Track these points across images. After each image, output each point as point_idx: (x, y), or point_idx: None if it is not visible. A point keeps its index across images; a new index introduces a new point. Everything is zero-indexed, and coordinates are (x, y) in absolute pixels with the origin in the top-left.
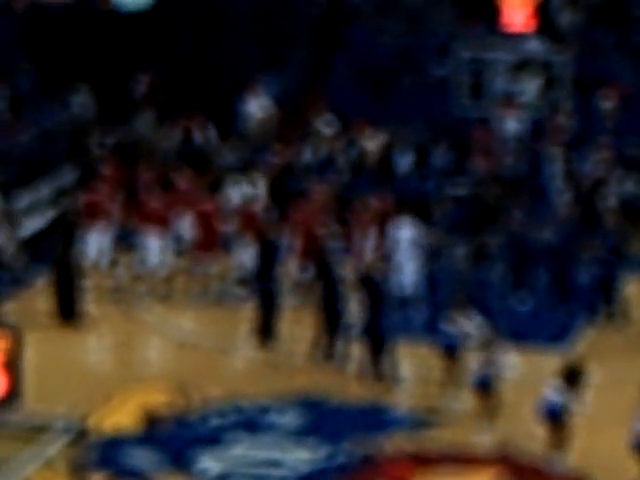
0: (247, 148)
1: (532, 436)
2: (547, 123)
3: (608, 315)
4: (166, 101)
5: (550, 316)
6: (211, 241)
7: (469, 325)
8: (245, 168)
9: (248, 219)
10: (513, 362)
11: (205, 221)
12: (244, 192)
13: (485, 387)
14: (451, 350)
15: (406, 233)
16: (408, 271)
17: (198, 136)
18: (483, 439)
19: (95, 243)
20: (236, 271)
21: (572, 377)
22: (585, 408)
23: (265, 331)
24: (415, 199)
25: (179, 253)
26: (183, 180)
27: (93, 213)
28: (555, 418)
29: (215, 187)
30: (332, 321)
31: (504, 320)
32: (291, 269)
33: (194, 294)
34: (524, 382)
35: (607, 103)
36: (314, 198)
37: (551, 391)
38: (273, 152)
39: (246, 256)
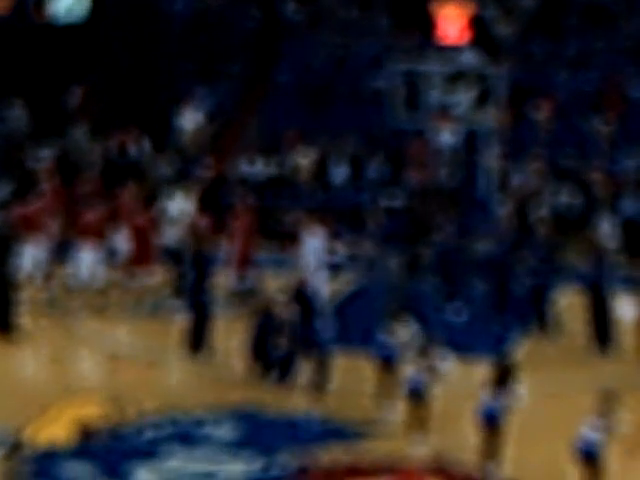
0: (181, 161)
1: (468, 446)
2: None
3: (541, 326)
4: (101, 114)
5: (485, 327)
6: (146, 254)
7: (405, 333)
8: (179, 181)
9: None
10: (448, 370)
11: (140, 234)
12: (178, 205)
13: (418, 395)
14: (387, 361)
15: (316, 243)
16: (320, 280)
17: (133, 149)
18: (418, 450)
19: (30, 256)
20: (169, 284)
21: (502, 379)
22: (521, 402)
23: (197, 343)
24: (350, 210)
25: (113, 266)
26: (125, 193)
27: (28, 226)
28: (491, 423)
29: (150, 200)
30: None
31: (439, 331)
32: (227, 280)
33: (128, 307)
34: (459, 392)
35: (540, 114)
36: (249, 210)
37: (486, 396)
38: (206, 165)
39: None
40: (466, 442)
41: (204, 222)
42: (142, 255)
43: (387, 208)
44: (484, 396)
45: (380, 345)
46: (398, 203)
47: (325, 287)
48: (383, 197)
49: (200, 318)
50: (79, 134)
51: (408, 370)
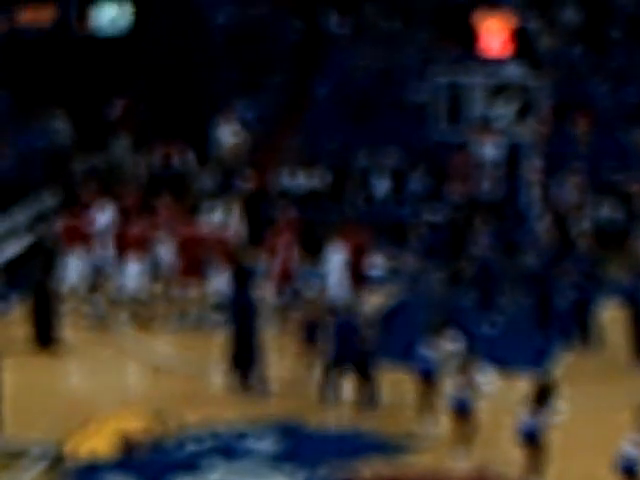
0: (222, 174)
1: (509, 460)
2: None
3: (583, 340)
4: (142, 126)
5: (526, 341)
6: (191, 266)
7: (449, 347)
8: (221, 193)
9: (222, 246)
10: (489, 385)
11: (186, 246)
12: (219, 218)
13: (463, 411)
14: (428, 374)
15: (338, 255)
16: (341, 292)
17: (177, 161)
18: (460, 464)
19: (74, 268)
20: (212, 297)
21: (542, 397)
22: (561, 418)
23: (236, 357)
24: (391, 224)
25: (157, 278)
26: (163, 206)
27: (72, 238)
28: (532, 440)
29: (194, 212)
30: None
31: (480, 345)
32: (267, 294)
33: (172, 319)
34: (501, 406)
35: (580, 127)
36: (290, 223)
37: (525, 413)
38: (246, 178)
39: (221, 282)
40: (507, 456)
41: (245, 235)
42: (187, 267)
43: (429, 222)
44: (523, 413)
45: (421, 359)
46: (440, 217)
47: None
48: (425, 211)
49: (241, 332)
50: (120, 146)
51: (451, 385)
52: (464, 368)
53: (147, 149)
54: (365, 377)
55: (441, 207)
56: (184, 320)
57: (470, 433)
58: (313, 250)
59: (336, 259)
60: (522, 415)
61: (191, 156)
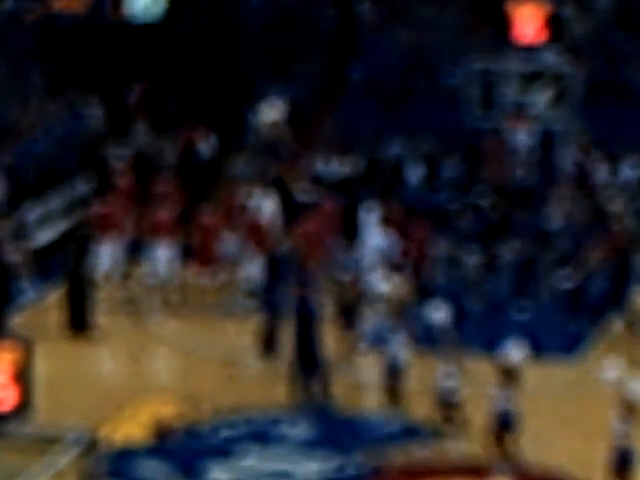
0: (259, 160)
1: (547, 446)
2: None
3: (619, 325)
4: (164, 111)
5: (562, 327)
6: (208, 255)
7: (434, 317)
8: (257, 180)
9: (255, 232)
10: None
11: (204, 234)
12: (256, 204)
13: (448, 401)
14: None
15: (375, 241)
16: (378, 279)
17: (202, 147)
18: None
19: (108, 255)
20: (244, 283)
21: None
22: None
23: (270, 343)
24: (426, 210)
25: (188, 264)
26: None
27: (106, 225)
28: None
29: (228, 199)
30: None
31: (513, 331)
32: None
33: (205, 306)
34: (538, 393)
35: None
36: (324, 210)
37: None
38: (281, 164)
39: (254, 268)
40: (546, 442)
41: (278, 222)
42: (206, 256)
43: (464, 208)
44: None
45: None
46: (474, 203)
47: (382, 286)
48: (459, 197)
49: (273, 318)
50: (139, 132)
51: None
52: (452, 353)
53: (173, 136)
54: None
55: (475, 193)
56: (217, 306)
57: (458, 423)
58: (349, 236)
59: (372, 245)
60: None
61: (215, 141)
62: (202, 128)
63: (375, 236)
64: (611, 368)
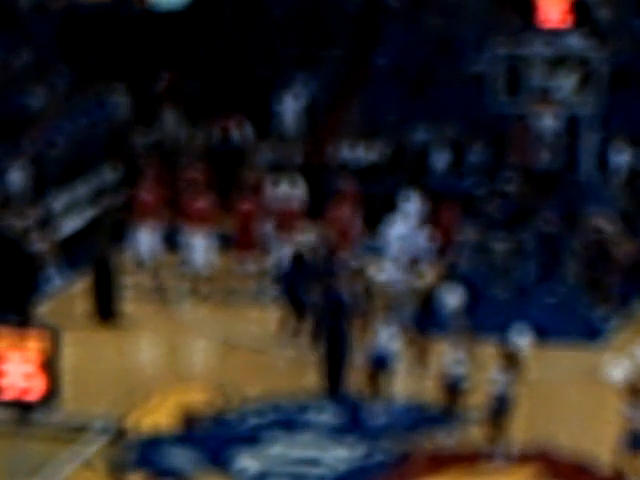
0: (284, 147)
1: (572, 432)
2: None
3: None
4: (193, 99)
5: (586, 312)
6: (249, 241)
7: (448, 300)
8: (284, 167)
9: (286, 218)
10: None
11: (244, 221)
12: (284, 191)
13: (455, 388)
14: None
15: (397, 228)
16: (404, 266)
17: (236, 135)
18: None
19: (144, 242)
20: (274, 270)
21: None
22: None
23: (297, 331)
24: (451, 196)
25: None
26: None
27: (143, 212)
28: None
29: (256, 186)
30: None
31: (539, 318)
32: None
33: (233, 293)
34: (563, 378)
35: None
36: (351, 195)
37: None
38: (307, 151)
39: (284, 256)
40: (569, 428)
41: (295, 208)
42: (245, 242)
43: (490, 194)
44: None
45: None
46: (501, 188)
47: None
48: (486, 182)
49: (297, 306)
50: (168, 120)
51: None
52: (462, 339)
53: (203, 123)
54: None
55: (502, 179)
56: (245, 294)
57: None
58: (375, 223)
59: (396, 232)
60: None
61: (249, 130)
62: (237, 116)
63: (408, 225)
64: (618, 368)
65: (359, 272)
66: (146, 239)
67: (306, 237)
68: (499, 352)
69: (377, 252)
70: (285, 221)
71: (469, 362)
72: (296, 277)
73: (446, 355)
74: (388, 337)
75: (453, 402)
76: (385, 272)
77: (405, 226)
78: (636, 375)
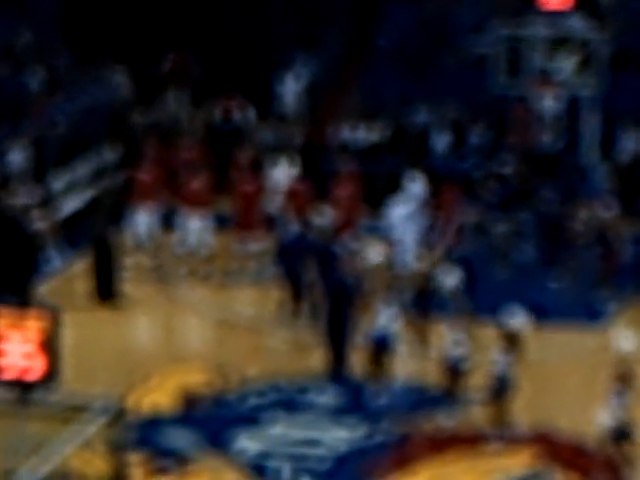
0: (285, 127)
1: (572, 415)
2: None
3: None
4: (196, 80)
5: (586, 294)
6: (252, 220)
7: (445, 280)
8: (282, 148)
9: (291, 198)
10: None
11: (246, 201)
12: (283, 171)
13: (455, 370)
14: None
15: (400, 209)
16: (408, 248)
17: (237, 116)
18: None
19: (142, 223)
20: (276, 250)
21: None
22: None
23: (295, 311)
24: (452, 178)
25: (219, 233)
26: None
27: (141, 192)
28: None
29: (255, 166)
30: None
31: (539, 299)
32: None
33: (232, 274)
34: (568, 360)
35: None
36: (352, 176)
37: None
38: (307, 131)
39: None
40: (571, 409)
41: (303, 188)
42: (248, 222)
43: (490, 175)
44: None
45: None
46: (501, 170)
47: (410, 256)
48: (486, 164)
49: (296, 286)
50: (172, 101)
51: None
52: (462, 321)
53: (206, 103)
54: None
55: (502, 160)
56: (244, 274)
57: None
58: (376, 204)
59: (399, 213)
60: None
61: (251, 110)
62: (238, 97)
63: (411, 206)
64: (627, 339)
65: (359, 253)
66: (144, 220)
67: (312, 217)
68: (499, 333)
69: (380, 233)
70: (294, 200)
71: (469, 343)
72: (297, 257)
73: (446, 336)
74: (388, 318)
75: (454, 383)
76: (385, 253)
77: (409, 207)
78: (624, 363)
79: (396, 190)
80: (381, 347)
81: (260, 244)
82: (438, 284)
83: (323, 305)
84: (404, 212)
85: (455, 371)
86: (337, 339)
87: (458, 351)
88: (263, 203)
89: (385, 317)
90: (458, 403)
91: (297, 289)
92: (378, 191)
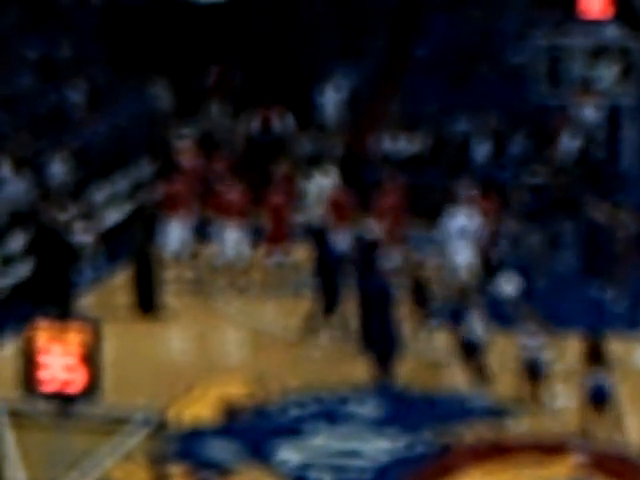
0: (323, 138)
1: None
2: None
3: None
4: (240, 92)
5: (632, 304)
6: (281, 233)
7: (504, 288)
8: (321, 158)
9: (332, 209)
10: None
11: (276, 213)
12: (323, 182)
13: (535, 372)
14: None
15: (459, 222)
16: (460, 260)
17: (277, 126)
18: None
19: (176, 235)
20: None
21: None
22: None
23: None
24: (492, 187)
25: (255, 245)
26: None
27: (173, 205)
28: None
29: (293, 177)
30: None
31: (581, 309)
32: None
33: (271, 285)
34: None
35: None
36: (397, 187)
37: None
38: (348, 142)
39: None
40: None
41: (345, 199)
42: (277, 234)
43: (530, 185)
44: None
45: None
46: (541, 179)
47: (466, 266)
48: (526, 173)
49: (331, 297)
50: (215, 113)
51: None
52: (534, 324)
53: (246, 115)
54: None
55: (542, 169)
56: (283, 286)
57: (540, 395)
58: (426, 215)
59: (455, 225)
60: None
61: (291, 120)
62: (278, 107)
63: (461, 215)
64: None
65: (414, 264)
66: (177, 232)
67: (354, 228)
68: (583, 344)
69: (434, 244)
70: (337, 211)
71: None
72: (336, 268)
73: (526, 341)
74: (475, 323)
75: (534, 389)
76: (449, 263)
77: (466, 218)
78: None
79: (446, 201)
80: (472, 352)
81: (289, 256)
82: (497, 292)
83: (364, 316)
84: (460, 224)
85: (536, 376)
86: (381, 349)
87: (540, 355)
88: (293, 215)
89: (472, 322)
90: (501, 414)
91: (332, 300)
92: (420, 201)
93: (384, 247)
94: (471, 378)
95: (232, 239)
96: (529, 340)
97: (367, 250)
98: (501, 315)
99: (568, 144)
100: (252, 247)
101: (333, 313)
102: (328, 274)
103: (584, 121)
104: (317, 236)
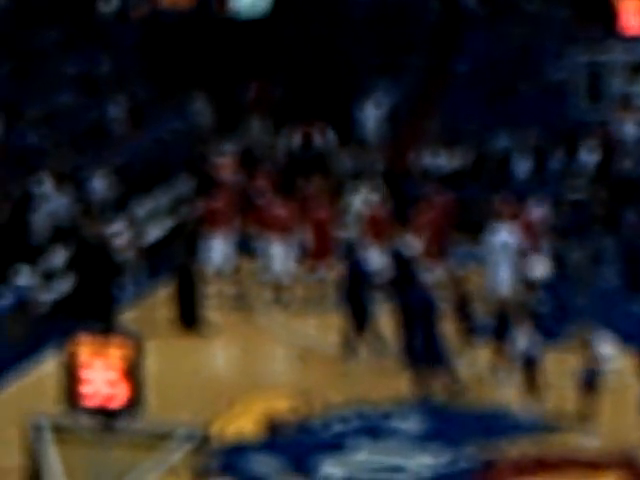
0: (365, 154)
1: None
2: None
3: None
4: (279, 107)
5: None
6: (325, 249)
7: None
8: (363, 174)
9: (375, 225)
10: (614, 359)
11: (319, 228)
12: (364, 198)
13: (590, 385)
14: None
15: (501, 237)
16: (502, 275)
17: (318, 141)
18: (591, 442)
19: (219, 250)
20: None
21: None
22: None
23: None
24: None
25: (297, 260)
26: (304, 186)
27: (214, 220)
28: None
29: (335, 193)
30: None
31: (623, 325)
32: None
33: (313, 301)
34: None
35: None
36: (437, 202)
37: None
38: (388, 158)
39: (373, 262)
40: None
41: (385, 215)
42: (321, 250)
43: (570, 200)
44: None
45: None
46: (582, 195)
47: (507, 282)
48: (567, 189)
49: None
50: (256, 128)
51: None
52: (584, 340)
53: (286, 130)
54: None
55: (583, 186)
56: (325, 301)
57: (595, 409)
58: (467, 230)
59: (497, 240)
60: None
61: (331, 136)
62: (319, 123)
63: (503, 230)
64: None
65: (457, 279)
66: (219, 247)
67: (395, 244)
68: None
69: (476, 259)
70: (375, 227)
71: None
72: (367, 284)
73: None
74: (527, 338)
75: (590, 400)
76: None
77: (507, 233)
78: None
79: (487, 216)
80: (530, 366)
81: (332, 272)
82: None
83: (408, 331)
84: (502, 239)
85: (592, 390)
86: (425, 364)
87: (607, 367)
88: (336, 230)
89: (525, 337)
90: (545, 429)
91: (361, 318)
92: (469, 217)
93: (423, 262)
94: (522, 393)
95: (278, 254)
96: (605, 349)
97: (405, 265)
98: (543, 330)
99: (609, 160)
100: (298, 262)
101: (365, 330)
102: (355, 291)
103: (625, 137)
104: (349, 252)
